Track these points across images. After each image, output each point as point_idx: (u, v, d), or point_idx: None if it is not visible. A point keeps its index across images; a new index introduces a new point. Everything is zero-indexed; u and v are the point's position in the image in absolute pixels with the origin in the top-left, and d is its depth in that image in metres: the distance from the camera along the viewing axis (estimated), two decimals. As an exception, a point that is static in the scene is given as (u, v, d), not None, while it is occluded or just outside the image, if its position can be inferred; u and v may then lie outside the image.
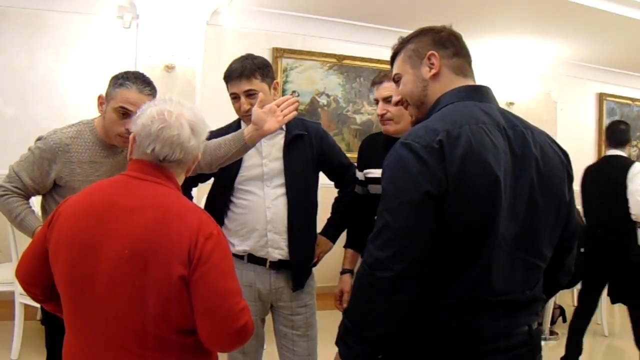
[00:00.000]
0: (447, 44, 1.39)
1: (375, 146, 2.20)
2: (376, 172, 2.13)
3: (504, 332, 1.25)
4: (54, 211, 1.41)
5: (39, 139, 1.97)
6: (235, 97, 2.07)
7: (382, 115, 2.11)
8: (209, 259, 1.25)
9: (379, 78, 2.13)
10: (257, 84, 2.04)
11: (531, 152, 1.27)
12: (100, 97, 1.96)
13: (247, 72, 2.02)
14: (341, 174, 2.31)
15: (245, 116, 2.07)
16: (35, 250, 1.41)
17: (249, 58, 2.09)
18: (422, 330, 1.26)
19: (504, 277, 1.24)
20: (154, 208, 1.29)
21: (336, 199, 2.35)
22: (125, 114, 1.87)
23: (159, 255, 1.23)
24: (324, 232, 2.31)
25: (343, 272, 2.29)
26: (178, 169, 1.39)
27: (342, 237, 2.39)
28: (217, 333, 1.27)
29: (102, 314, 1.27)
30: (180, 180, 1.43)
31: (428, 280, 1.22)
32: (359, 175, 2.28)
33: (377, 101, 2.15)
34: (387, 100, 2.07)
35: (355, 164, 2.33)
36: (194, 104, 1.44)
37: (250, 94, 2.03)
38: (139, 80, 1.90)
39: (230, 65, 2.08)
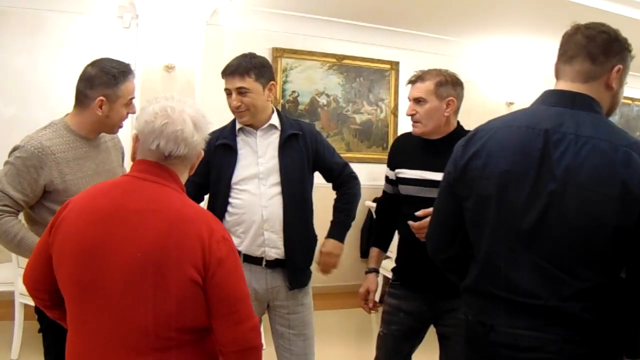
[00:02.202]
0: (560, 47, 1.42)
1: (409, 147, 2.18)
2: (409, 173, 2.12)
3: (506, 327, 1.29)
4: (56, 216, 1.38)
5: (14, 149, 1.85)
6: (228, 93, 2.10)
7: (411, 116, 2.10)
8: (225, 263, 1.30)
9: (414, 78, 2.11)
10: (250, 83, 2.06)
11: (568, 160, 1.24)
12: (101, 100, 1.90)
13: (241, 69, 2.05)
14: (337, 173, 2.30)
15: (235, 112, 2.12)
16: (39, 256, 1.40)
17: (248, 56, 2.11)
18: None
19: (511, 275, 1.29)
20: (164, 211, 1.30)
21: (336, 199, 2.34)
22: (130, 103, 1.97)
23: (172, 258, 1.25)
24: (331, 234, 2.26)
25: (368, 271, 2.27)
26: (182, 166, 1.39)
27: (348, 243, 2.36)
28: (234, 332, 1.33)
29: (111, 317, 1.27)
30: (184, 178, 1.43)
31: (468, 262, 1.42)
32: (390, 174, 2.26)
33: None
34: (417, 101, 2.06)
35: (348, 164, 2.33)
36: (195, 101, 1.46)
37: (241, 92, 2.06)
38: (128, 68, 1.96)
39: (229, 62, 2.11)
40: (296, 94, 5.14)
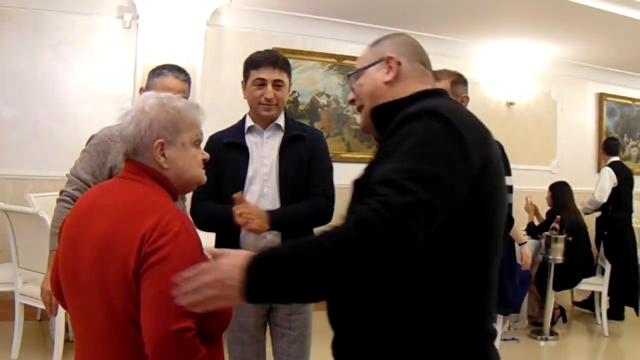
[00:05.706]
0: None
1: None
2: None
3: None
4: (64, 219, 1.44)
5: (90, 138, 2.15)
6: (260, 84, 2.06)
7: None
8: (160, 252, 1.19)
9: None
10: (285, 78, 2.08)
11: None
12: (141, 89, 2.17)
13: (280, 62, 2.07)
14: (316, 183, 2.10)
15: (264, 105, 2.07)
16: (55, 260, 1.42)
17: (277, 52, 2.15)
18: None
19: None
20: (120, 205, 1.29)
21: (309, 199, 2.08)
22: None
23: (118, 251, 1.22)
24: (273, 211, 1.98)
25: None
26: (143, 160, 1.34)
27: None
28: (153, 331, 1.16)
29: (84, 313, 1.28)
30: (158, 167, 1.34)
31: None
32: None
33: None
34: None
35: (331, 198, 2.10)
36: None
37: (277, 84, 2.06)
38: (174, 68, 2.13)
39: (258, 53, 2.10)
40: (296, 94, 5.13)
